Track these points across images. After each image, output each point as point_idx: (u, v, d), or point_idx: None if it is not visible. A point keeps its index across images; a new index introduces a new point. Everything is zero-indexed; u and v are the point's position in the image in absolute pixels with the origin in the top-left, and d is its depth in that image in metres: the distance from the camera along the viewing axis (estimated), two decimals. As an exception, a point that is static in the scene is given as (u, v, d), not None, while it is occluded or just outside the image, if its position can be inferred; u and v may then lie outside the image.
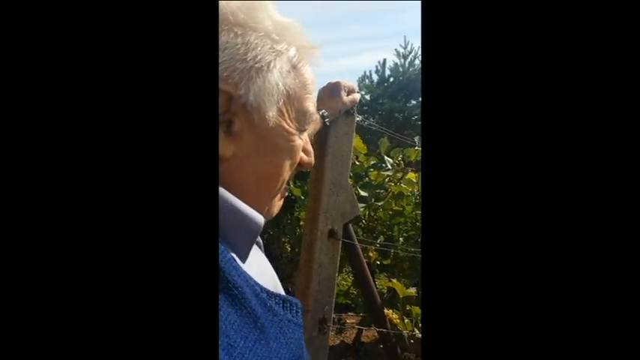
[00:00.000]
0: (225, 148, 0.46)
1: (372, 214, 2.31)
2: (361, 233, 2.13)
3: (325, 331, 1.18)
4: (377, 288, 1.46)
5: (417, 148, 2.22)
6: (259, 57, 0.46)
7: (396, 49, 15.94)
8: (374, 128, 2.04)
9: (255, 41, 0.46)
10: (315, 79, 0.54)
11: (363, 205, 2.15)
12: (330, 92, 1.09)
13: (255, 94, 0.46)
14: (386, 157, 2.21)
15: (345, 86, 1.09)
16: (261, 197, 0.50)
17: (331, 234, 1.19)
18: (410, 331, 1.38)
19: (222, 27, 0.47)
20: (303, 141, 0.53)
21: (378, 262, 2.33)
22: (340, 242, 1.21)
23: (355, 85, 1.14)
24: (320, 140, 1.16)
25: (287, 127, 0.49)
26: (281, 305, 0.47)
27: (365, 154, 2.19)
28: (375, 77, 16.00)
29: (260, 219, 0.48)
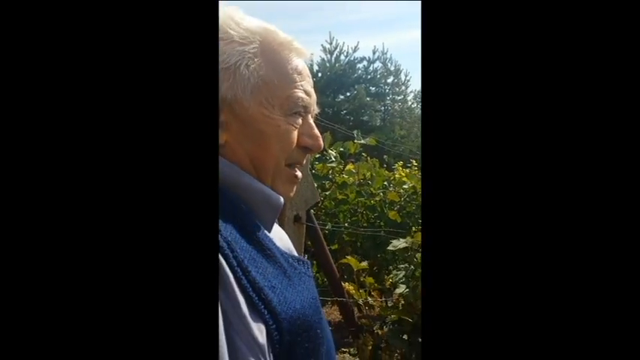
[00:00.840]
0: (222, 136, 0.56)
1: (319, 203, 2.51)
2: (326, 230, 2.33)
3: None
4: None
5: (355, 141, 2.46)
6: (227, 59, 0.56)
7: (322, 45, 16.32)
8: (321, 124, 2.22)
9: (223, 48, 0.56)
10: (305, 68, 0.60)
11: (312, 195, 2.34)
12: None
13: (228, 89, 0.55)
14: (329, 150, 2.42)
15: None
16: (259, 177, 0.58)
17: (296, 219, 1.36)
18: (364, 299, 1.60)
19: None
20: (293, 125, 0.58)
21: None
22: (304, 226, 1.38)
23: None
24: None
25: (268, 113, 0.56)
26: (297, 262, 0.61)
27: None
28: (316, 69, 16.23)
29: (280, 198, 0.60)
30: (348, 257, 1.55)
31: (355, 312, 1.64)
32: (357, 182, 2.62)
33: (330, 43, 16.01)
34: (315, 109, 0.62)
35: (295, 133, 0.59)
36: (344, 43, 15.80)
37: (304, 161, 0.63)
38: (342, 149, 2.54)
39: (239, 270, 0.49)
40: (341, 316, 1.62)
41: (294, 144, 0.59)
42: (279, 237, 0.63)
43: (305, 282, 0.58)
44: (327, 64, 15.96)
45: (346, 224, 2.51)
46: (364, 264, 1.58)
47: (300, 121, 0.59)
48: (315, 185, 2.39)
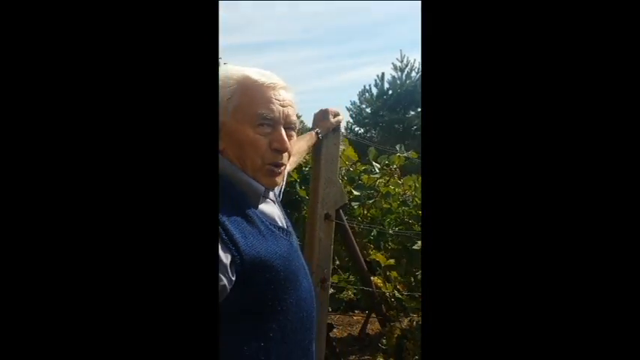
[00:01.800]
0: (220, 144, 0.87)
1: (366, 212, 2.76)
2: (357, 227, 2.58)
3: (326, 286, 1.63)
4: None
5: (398, 154, 2.69)
6: (220, 97, 0.85)
7: (393, 63, 16.48)
8: (367, 142, 2.49)
9: (221, 91, 0.87)
10: (275, 96, 0.87)
11: (357, 202, 2.60)
12: (322, 116, 1.57)
13: (221, 115, 0.84)
14: (374, 163, 2.68)
15: (331, 111, 1.58)
16: (248, 169, 0.88)
17: (327, 217, 1.65)
18: (390, 291, 1.83)
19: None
20: (262, 134, 0.87)
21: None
22: (333, 223, 1.67)
23: (339, 110, 1.62)
24: (316, 149, 1.64)
25: (240, 127, 0.86)
26: (275, 228, 0.91)
27: (356, 162, 2.66)
28: (374, 90, 16.53)
29: (257, 186, 0.88)
30: (377, 253, 1.79)
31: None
32: (402, 193, 2.82)
33: (401, 61, 16.06)
34: (291, 122, 0.90)
35: (264, 140, 0.88)
36: (415, 60, 15.72)
37: (281, 159, 0.92)
38: (387, 162, 2.78)
39: (221, 229, 0.79)
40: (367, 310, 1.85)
41: (264, 147, 0.88)
42: (268, 212, 0.94)
43: (278, 241, 0.89)
44: (398, 82, 16.00)
45: (390, 231, 2.72)
46: (391, 261, 1.80)
47: (268, 130, 0.88)
48: (360, 194, 2.65)
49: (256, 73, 0.91)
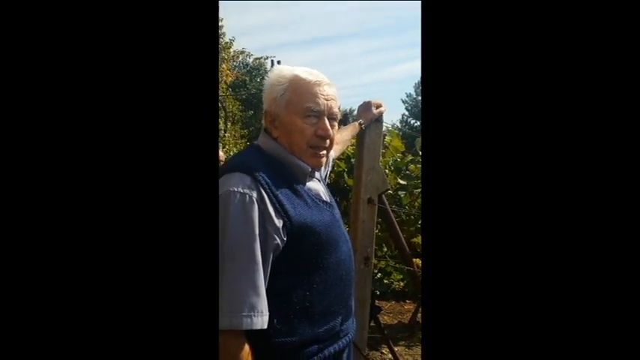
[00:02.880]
0: (274, 132, 1.11)
1: (413, 200, 2.85)
2: (403, 216, 2.69)
3: (369, 264, 1.79)
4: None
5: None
6: (274, 93, 1.08)
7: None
8: (417, 135, 2.58)
9: (273, 87, 1.10)
10: (319, 91, 1.05)
11: (404, 192, 2.72)
12: (364, 108, 1.72)
13: (275, 108, 1.07)
14: (421, 153, 2.77)
15: (374, 103, 1.73)
16: (296, 152, 1.08)
17: (370, 201, 1.81)
18: None
19: (267, 87, 1.12)
20: (309, 123, 1.06)
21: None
22: (376, 207, 1.82)
23: (381, 101, 1.76)
24: (359, 139, 1.80)
25: (292, 118, 1.06)
26: (320, 201, 1.10)
27: (403, 152, 2.77)
28: (431, 82, 16.01)
29: (305, 166, 1.08)
30: (419, 236, 1.91)
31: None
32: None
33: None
34: (334, 113, 1.09)
35: (310, 128, 1.07)
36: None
37: (324, 144, 1.12)
38: (435, 152, 2.85)
39: (275, 200, 0.99)
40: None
41: (310, 134, 1.07)
42: (314, 188, 1.14)
43: (322, 212, 1.09)
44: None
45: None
46: (432, 243, 1.92)
47: (314, 121, 1.07)
48: (406, 183, 2.76)
49: (304, 72, 1.10)
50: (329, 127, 1.08)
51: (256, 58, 13.77)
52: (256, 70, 15.18)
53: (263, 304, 0.94)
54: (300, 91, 1.06)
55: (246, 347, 0.93)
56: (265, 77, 1.15)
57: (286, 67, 1.12)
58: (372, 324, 1.89)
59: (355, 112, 1.83)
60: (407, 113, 16.09)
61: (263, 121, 1.14)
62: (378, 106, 1.74)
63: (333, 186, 1.19)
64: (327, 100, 1.07)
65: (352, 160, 2.62)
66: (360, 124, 1.71)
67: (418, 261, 1.94)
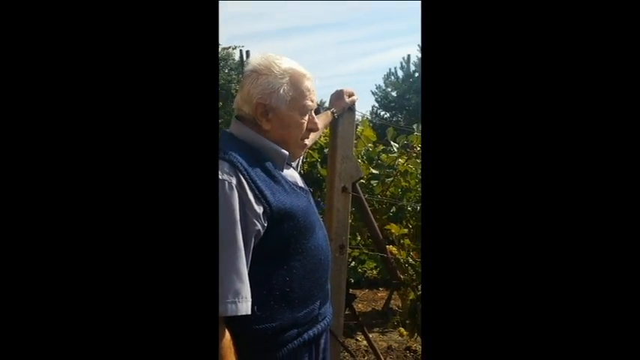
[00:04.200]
0: (266, 125, 1.12)
1: (385, 190, 2.89)
2: (376, 205, 2.72)
3: (344, 252, 1.81)
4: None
5: (416, 134, 2.80)
6: (271, 86, 1.11)
7: (419, 44, 16.17)
8: (402, 123, 2.60)
9: (269, 79, 1.11)
10: (314, 87, 1.14)
11: (376, 181, 2.74)
12: (337, 96, 1.72)
13: (273, 102, 1.11)
14: (392, 142, 2.80)
15: (346, 92, 1.73)
16: (289, 145, 1.15)
17: (344, 189, 1.82)
18: (404, 258, 1.98)
19: (253, 74, 1.12)
20: (306, 119, 1.14)
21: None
22: (350, 195, 1.83)
23: (353, 90, 1.77)
24: (332, 128, 1.80)
25: (292, 114, 1.12)
26: (296, 187, 1.13)
27: (374, 142, 2.79)
28: (400, 73, 16.27)
29: (284, 152, 1.13)
30: (391, 224, 1.94)
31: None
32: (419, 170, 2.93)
33: (427, 42, 15.60)
34: (315, 107, 1.16)
35: (305, 123, 1.15)
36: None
37: (310, 136, 1.19)
38: (405, 142, 2.89)
39: (254, 186, 1.00)
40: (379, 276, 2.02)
41: (304, 129, 1.15)
42: (290, 174, 1.17)
43: (299, 197, 1.12)
44: (424, 64, 15.65)
45: (409, 208, 2.85)
46: (405, 230, 1.95)
47: (307, 116, 1.15)
48: (378, 172, 2.79)
49: (297, 66, 1.12)
50: (317, 121, 1.17)
51: (224, 48, 13.45)
52: (224, 61, 14.83)
53: (246, 289, 0.95)
54: (299, 88, 1.10)
55: (228, 335, 0.93)
56: (244, 66, 1.15)
57: (279, 58, 1.13)
58: (346, 312, 1.91)
59: (327, 104, 1.82)
60: (377, 105, 16.25)
61: (247, 111, 1.12)
62: (350, 95, 1.75)
63: (306, 176, 1.20)
64: (314, 96, 1.14)
65: (325, 150, 2.62)
66: (332, 112, 1.71)
67: (391, 248, 1.98)
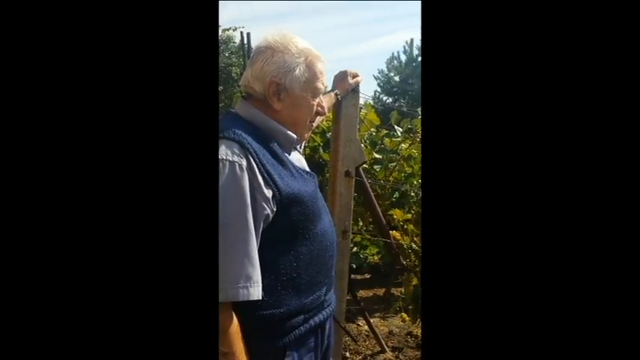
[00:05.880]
0: (277, 105, 1.07)
1: (388, 174, 2.86)
2: (379, 190, 2.69)
3: (347, 237, 1.78)
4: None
5: (420, 117, 2.75)
6: (287, 65, 1.06)
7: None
8: (405, 109, 2.55)
9: (285, 57, 1.06)
10: (325, 70, 1.11)
11: (379, 166, 2.71)
12: (340, 78, 1.67)
13: (287, 81, 1.07)
14: (396, 127, 2.75)
15: (350, 73, 1.67)
16: (298, 127, 1.11)
17: (347, 173, 1.78)
18: (407, 243, 1.96)
19: (268, 51, 1.06)
20: (316, 102, 1.10)
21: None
22: (353, 179, 1.80)
23: (358, 71, 1.71)
24: (335, 110, 1.75)
25: (305, 95, 1.07)
26: (303, 172, 1.09)
27: (378, 126, 2.74)
28: (403, 57, 16.03)
29: (292, 135, 1.09)
30: (395, 209, 1.91)
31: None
32: (424, 156, 2.88)
33: (431, 26, 15.32)
34: (324, 91, 1.13)
35: (315, 106, 1.10)
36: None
37: (318, 119, 1.16)
38: (409, 126, 2.84)
39: (263, 170, 0.96)
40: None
41: (314, 112, 1.11)
42: (297, 159, 1.14)
43: (306, 182, 1.08)
44: (428, 48, 15.40)
45: (412, 193, 2.82)
46: (408, 215, 1.93)
47: (317, 99, 1.10)
48: (381, 157, 2.75)
49: (310, 45, 1.08)
50: (325, 105, 1.15)
51: (224, 30, 13.21)
52: (224, 45, 14.60)
53: (258, 274, 0.92)
54: (313, 69, 1.06)
55: (236, 320, 0.91)
56: (245, 49, 1.10)
57: (296, 37, 1.08)
58: (348, 297, 1.90)
59: (329, 89, 1.77)
60: (379, 90, 16.07)
61: (257, 89, 1.07)
62: (355, 76, 1.69)
63: (308, 160, 1.17)
64: (325, 79, 1.11)
65: (328, 134, 2.57)
66: (336, 94, 1.65)
67: (395, 233, 1.95)
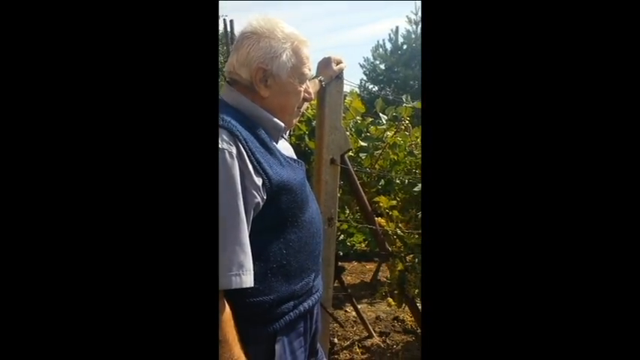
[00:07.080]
0: (264, 92, 1.07)
1: (374, 162, 2.86)
2: (365, 178, 2.70)
3: (332, 224, 1.79)
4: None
5: (405, 105, 2.75)
6: (274, 50, 1.06)
7: (407, 16, 15.83)
8: (391, 97, 2.54)
9: (272, 43, 1.06)
10: (311, 55, 1.11)
11: (365, 154, 2.71)
12: (324, 64, 1.65)
13: (274, 67, 1.06)
14: (381, 114, 2.75)
15: (334, 59, 1.66)
16: (285, 114, 1.11)
17: (332, 161, 1.78)
18: (393, 230, 1.98)
19: (254, 36, 1.04)
20: (303, 88, 1.11)
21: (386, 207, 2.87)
22: (339, 167, 1.80)
23: (342, 58, 1.70)
24: (319, 97, 1.74)
25: (292, 81, 1.09)
26: (291, 160, 1.10)
27: (363, 114, 2.74)
28: (388, 46, 15.99)
29: (280, 123, 1.09)
30: (380, 196, 1.92)
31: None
32: (409, 143, 2.90)
33: (416, 14, 15.34)
34: (311, 76, 1.13)
35: (302, 92, 1.11)
36: (430, 11, 14.93)
37: (304, 105, 1.16)
38: (394, 114, 2.84)
39: (253, 158, 0.96)
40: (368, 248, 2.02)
41: (302, 98, 1.11)
42: (284, 147, 1.11)
43: (295, 170, 1.09)
44: (413, 35, 15.40)
45: (398, 180, 2.83)
46: (393, 201, 1.94)
47: (304, 85, 1.11)
48: (367, 145, 2.75)
49: (300, 33, 1.07)
50: (311, 91, 1.14)
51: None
52: (208, 33, 14.20)
53: (249, 262, 0.93)
54: (300, 55, 1.06)
55: (228, 308, 0.91)
56: (228, 36, 1.08)
57: (282, 22, 1.07)
58: (335, 284, 1.92)
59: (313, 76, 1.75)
60: (365, 78, 16.01)
61: (243, 75, 1.05)
62: (338, 62, 1.68)
63: (294, 149, 1.17)
64: (311, 64, 1.12)
65: (313, 122, 2.56)
66: (320, 81, 1.64)
67: (380, 220, 1.96)
